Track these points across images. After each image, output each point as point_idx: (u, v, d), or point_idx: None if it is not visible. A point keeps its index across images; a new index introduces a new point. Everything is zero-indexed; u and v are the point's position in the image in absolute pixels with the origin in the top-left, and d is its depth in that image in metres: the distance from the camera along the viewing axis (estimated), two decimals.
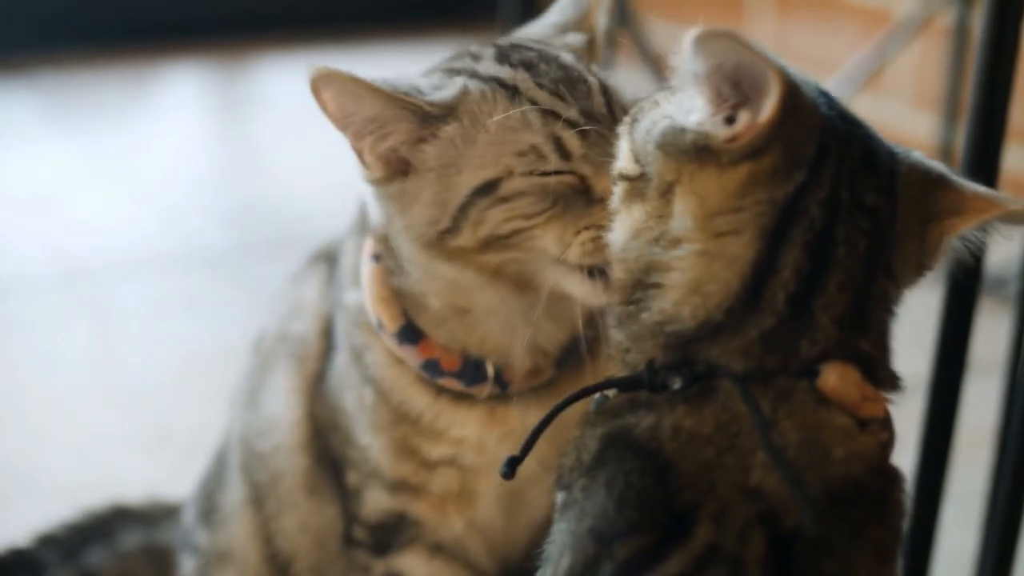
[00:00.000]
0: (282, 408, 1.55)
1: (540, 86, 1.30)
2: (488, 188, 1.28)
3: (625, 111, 1.28)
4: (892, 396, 1.07)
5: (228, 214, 3.59)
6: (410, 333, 1.39)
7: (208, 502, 1.70)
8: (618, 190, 1.13)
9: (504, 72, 1.32)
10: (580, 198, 1.27)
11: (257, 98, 4.69)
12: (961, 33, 3.08)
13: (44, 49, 4.70)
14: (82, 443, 2.41)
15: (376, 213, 1.39)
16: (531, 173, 1.27)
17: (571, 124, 1.28)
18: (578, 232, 1.27)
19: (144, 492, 2.06)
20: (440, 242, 1.30)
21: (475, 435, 1.42)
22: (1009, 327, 1.60)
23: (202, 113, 4.59)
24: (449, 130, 1.29)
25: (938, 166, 1.10)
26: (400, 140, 1.30)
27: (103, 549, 1.96)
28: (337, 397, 1.48)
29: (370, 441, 1.45)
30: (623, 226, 1.11)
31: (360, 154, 1.32)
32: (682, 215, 1.04)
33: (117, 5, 4.86)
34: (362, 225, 1.46)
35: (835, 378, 1.02)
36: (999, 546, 1.55)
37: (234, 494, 1.64)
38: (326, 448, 1.52)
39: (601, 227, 1.23)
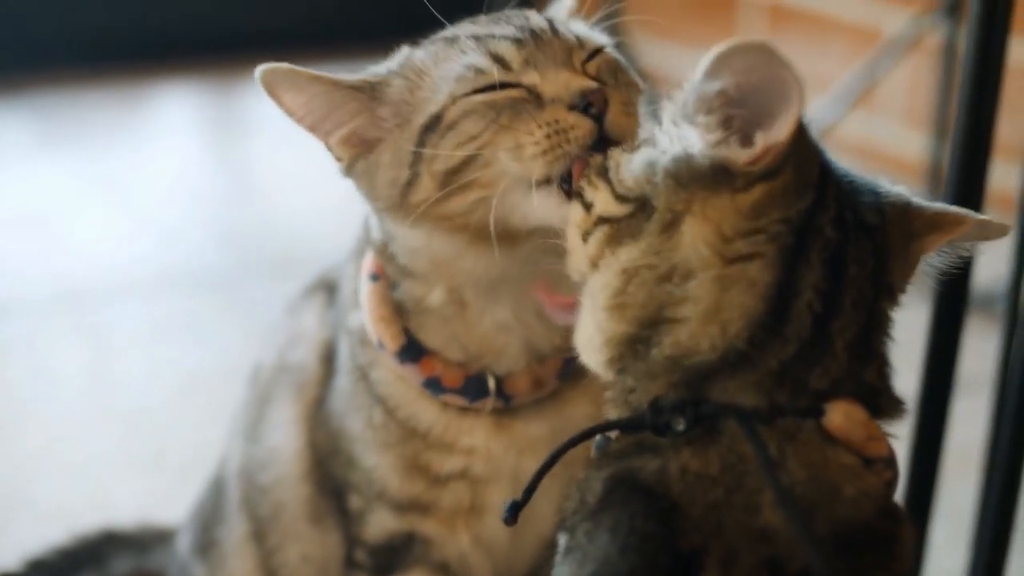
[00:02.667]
0: (283, 439, 1.54)
1: (475, 23, 1.33)
2: (435, 122, 1.27)
3: (576, 39, 1.30)
4: (896, 423, 1.08)
5: (225, 234, 3.59)
6: (411, 351, 1.40)
7: (205, 535, 1.69)
8: (594, 238, 1.10)
9: (446, 32, 1.35)
10: (528, 106, 1.24)
11: (252, 118, 4.69)
12: (950, 51, 3.10)
13: (39, 70, 4.71)
14: (79, 464, 2.41)
15: (375, 224, 1.40)
16: (473, 92, 1.26)
17: (510, 41, 1.28)
18: (531, 133, 1.23)
19: (140, 514, 2.07)
20: (405, 201, 1.30)
21: (484, 444, 1.42)
22: (997, 344, 1.60)
23: (197, 133, 4.60)
24: (395, 89, 1.31)
25: (902, 192, 1.11)
26: (357, 123, 1.32)
27: (93, 574, 1.96)
28: (339, 421, 1.48)
29: (377, 462, 1.44)
30: (609, 272, 1.09)
31: (328, 147, 1.34)
32: (694, 245, 1.03)
33: (111, 25, 4.87)
34: (361, 249, 1.47)
35: (840, 417, 1.02)
36: (988, 564, 1.55)
37: (234, 530, 1.63)
38: (327, 475, 1.52)
39: (558, 122, 1.22)
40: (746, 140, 1.01)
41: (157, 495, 2.27)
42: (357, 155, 1.33)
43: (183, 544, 1.75)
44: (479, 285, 1.35)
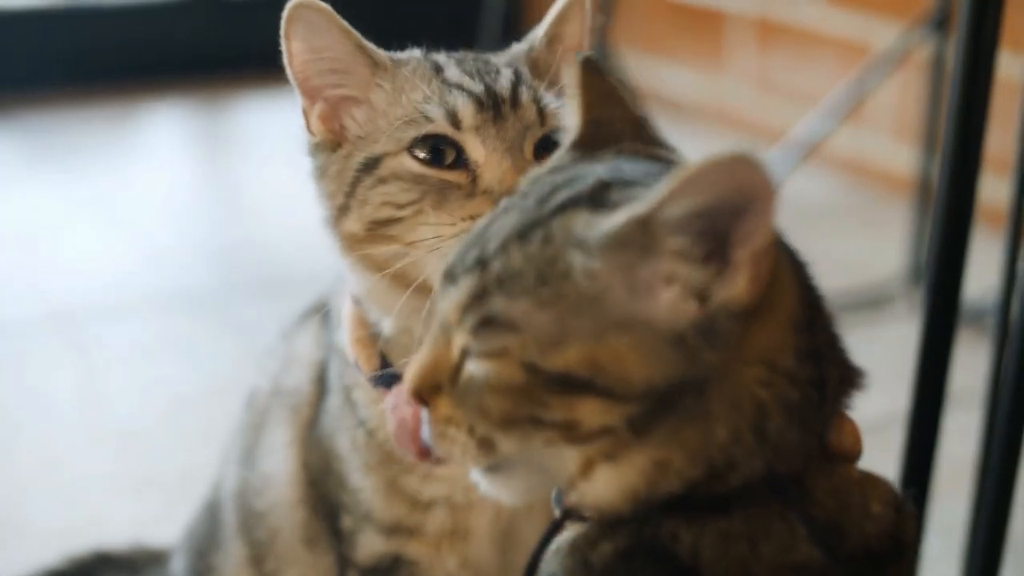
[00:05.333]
0: (279, 463, 1.53)
1: (458, 63, 1.33)
2: (372, 164, 1.28)
3: (536, 116, 1.28)
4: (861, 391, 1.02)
5: (214, 253, 3.59)
6: (384, 377, 1.39)
7: (202, 562, 1.68)
8: (583, 454, 0.92)
9: (441, 57, 1.36)
10: (458, 192, 1.25)
11: (241, 136, 4.69)
12: (938, 65, 3.10)
13: (27, 89, 4.71)
14: (69, 485, 2.40)
15: None
16: (414, 141, 1.26)
17: (472, 100, 1.27)
18: (453, 223, 1.23)
19: (131, 534, 2.05)
20: (338, 224, 1.31)
21: (461, 469, 1.41)
22: (988, 358, 1.61)
23: (186, 152, 4.59)
24: (380, 94, 1.32)
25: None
26: (349, 92, 1.32)
27: None
28: (330, 441, 1.47)
29: (362, 483, 1.44)
30: (619, 479, 0.92)
31: (307, 116, 1.35)
32: (739, 394, 0.90)
33: (99, 45, 4.87)
34: None
35: (835, 433, 0.99)
36: None
37: (231, 556, 1.62)
38: (321, 497, 1.51)
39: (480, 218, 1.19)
40: (723, 263, 0.88)
41: (148, 515, 2.26)
42: (324, 141, 1.33)
43: (177, 568, 1.74)
44: (411, 319, 1.33)
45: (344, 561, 1.50)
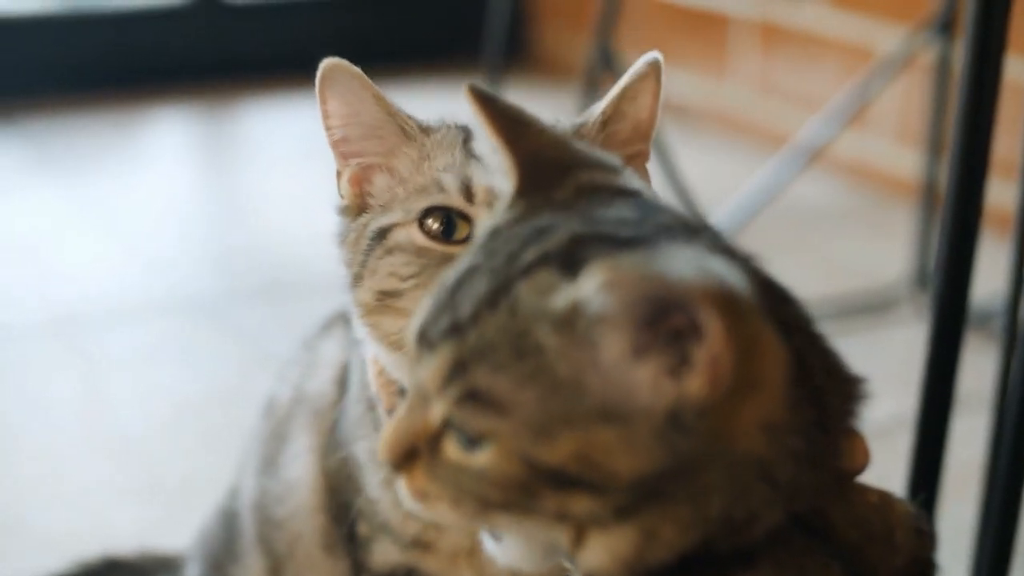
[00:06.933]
0: (301, 470, 1.52)
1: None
2: (383, 234, 1.27)
3: None
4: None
5: (217, 259, 3.59)
6: None
7: (217, 573, 1.67)
8: (572, 527, 0.88)
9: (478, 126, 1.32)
10: None
11: (244, 142, 4.69)
12: (943, 69, 3.10)
13: (29, 95, 4.70)
14: (72, 492, 2.39)
15: None
16: (424, 211, 1.24)
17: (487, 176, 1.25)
18: None
19: (135, 541, 2.05)
20: (353, 292, 1.30)
21: None
22: (995, 361, 1.60)
23: (189, 158, 4.59)
24: (405, 161, 1.30)
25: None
26: (378, 160, 1.30)
27: None
28: (348, 447, 1.46)
29: (380, 495, 1.43)
30: (610, 546, 0.87)
31: (339, 177, 1.33)
32: (741, 464, 0.86)
33: (101, 50, 4.87)
34: None
35: (847, 456, 0.95)
36: None
37: (249, 569, 1.61)
38: (340, 502, 1.50)
39: None
40: (679, 354, 0.82)
41: (151, 521, 2.26)
42: (350, 206, 1.32)
43: None
44: None
45: (358, 566, 1.49)
